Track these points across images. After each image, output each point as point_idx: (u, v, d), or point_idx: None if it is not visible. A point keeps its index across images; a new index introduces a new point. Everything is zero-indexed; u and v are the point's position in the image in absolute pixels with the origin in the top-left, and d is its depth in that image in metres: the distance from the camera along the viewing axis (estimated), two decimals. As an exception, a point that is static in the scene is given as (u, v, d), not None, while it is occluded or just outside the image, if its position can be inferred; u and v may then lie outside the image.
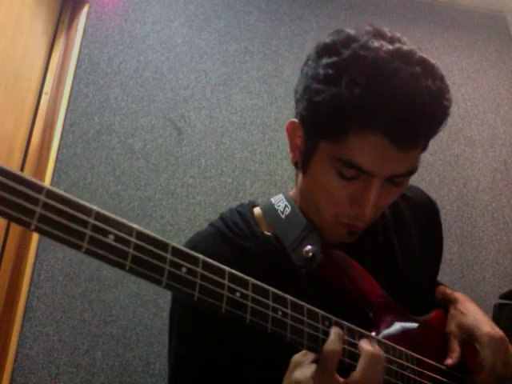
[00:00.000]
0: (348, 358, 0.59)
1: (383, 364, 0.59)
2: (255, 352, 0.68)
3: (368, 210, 0.66)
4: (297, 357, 0.61)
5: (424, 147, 0.67)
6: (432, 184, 2.08)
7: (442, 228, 0.92)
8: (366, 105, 0.60)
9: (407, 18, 2.42)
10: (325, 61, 0.64)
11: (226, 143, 1.98)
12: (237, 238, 0.75)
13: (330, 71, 0.62)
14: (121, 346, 1.63)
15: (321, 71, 0.64)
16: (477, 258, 1.99)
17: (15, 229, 1.64)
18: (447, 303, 0.83)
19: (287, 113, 2.08)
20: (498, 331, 0.75)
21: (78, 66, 1.96)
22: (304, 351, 0.60)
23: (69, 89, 1.91)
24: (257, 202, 0.84)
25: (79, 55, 1.98)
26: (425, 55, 0.63)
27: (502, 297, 1.49)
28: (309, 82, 0.66)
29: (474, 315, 0.78)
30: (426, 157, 2.08)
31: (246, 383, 0.70)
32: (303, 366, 0.59)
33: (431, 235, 0.89)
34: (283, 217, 0.76)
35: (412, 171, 0.67)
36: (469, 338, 0.76)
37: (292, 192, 0.82)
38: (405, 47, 0.62)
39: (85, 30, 2.03)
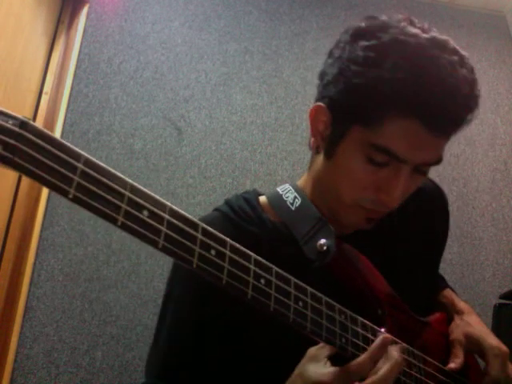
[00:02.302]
0: (353, 349, 0.60)
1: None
2: (257, 347, 0.68)
3: (397, 196, 0.65)
4: (312, 350, 0.60)
5: (450, 137, 0.67)
6: (432, 184, 2.08)
7: (449, 218, 0.90)
8: (409, 90, 0.59)
9: (407, 18, 2.42)
10: (363, 43, 0.63)
11: (226, 143, 1.98)
12: (243, 222, 0.73)
13: (371, 54, 0.62)
14: (121, 346, 1.63)
15: (360, 53, 0.63)
16: (477, 258, 1.98)
17: (15, 229, 1.64)
18: (451, 311, 0.84)
19: (287, 113, 2.08)
20: (503, 346, 0.76)
21: (77, 66, 1.96)
22: (321, 344, 0.59)
23: (69, 89, 1.91)
24: (261, 192, 0.83)
25: (79, 55, 1.98)
26: (456, 46, 0.64)
27: (502, 297, 1.48)
28: (345, 64, 0.65)
29: (480, 328, 0.79)
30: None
31: (247, 377, 0.70)
32: (319, 361, 0.58)
33: (437, 224, 0.89)
34: (293, 209, 0.75)
35: (439, 160, 0.67)
36: (476, 348, 0.77)
37: (301, 182, 0.80)
38: (440, 36, 0.63)
39: (85, 30, 2.02)
